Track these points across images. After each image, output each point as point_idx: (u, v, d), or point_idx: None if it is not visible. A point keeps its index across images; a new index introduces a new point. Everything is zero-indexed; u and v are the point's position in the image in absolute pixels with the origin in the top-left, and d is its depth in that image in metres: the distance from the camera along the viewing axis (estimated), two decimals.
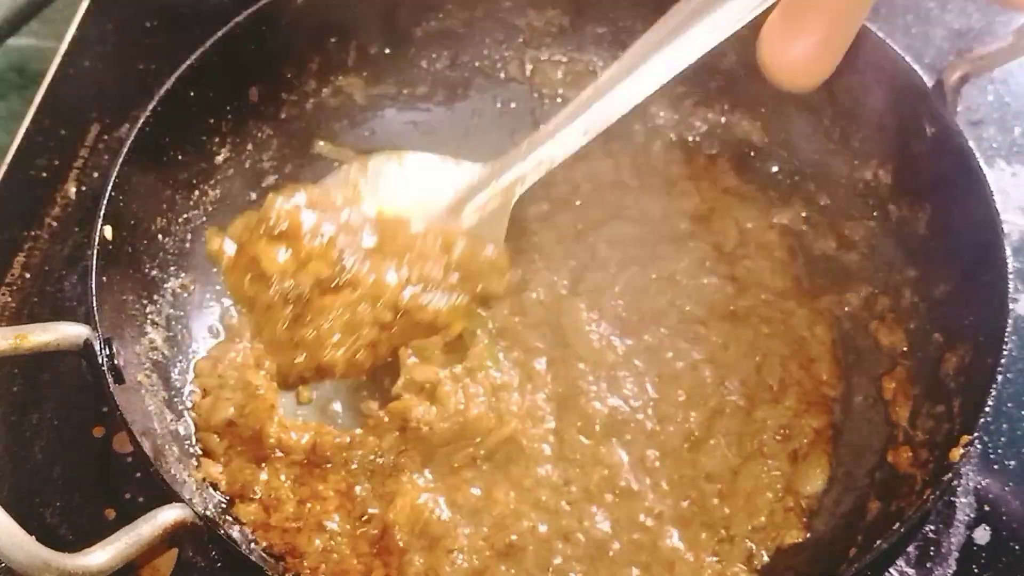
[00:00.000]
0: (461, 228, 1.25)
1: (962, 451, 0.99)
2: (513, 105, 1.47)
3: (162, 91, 1.18)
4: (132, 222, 1.15)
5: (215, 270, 1.27)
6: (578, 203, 1.38)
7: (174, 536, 0.91)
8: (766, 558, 1.12)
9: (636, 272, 1.30)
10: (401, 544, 1.10)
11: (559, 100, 1.47)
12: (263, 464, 1.15)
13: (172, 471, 1.04)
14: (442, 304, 1.20)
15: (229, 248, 1.21)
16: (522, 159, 1.25)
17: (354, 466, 1.15)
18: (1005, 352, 1.02)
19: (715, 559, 1.12)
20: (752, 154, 1.40)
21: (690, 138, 1.43)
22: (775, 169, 1.39)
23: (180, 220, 1.24)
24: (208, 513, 1.02)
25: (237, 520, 1.11)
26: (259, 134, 1.33)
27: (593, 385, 1.21)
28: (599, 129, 1.21)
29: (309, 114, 1.38)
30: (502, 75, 1.47)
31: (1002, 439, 1.19)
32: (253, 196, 1.34)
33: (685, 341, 1.25)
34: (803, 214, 1.35)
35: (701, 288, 1.29)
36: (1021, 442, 1.19)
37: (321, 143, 1.39)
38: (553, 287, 1.29)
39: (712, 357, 1.24)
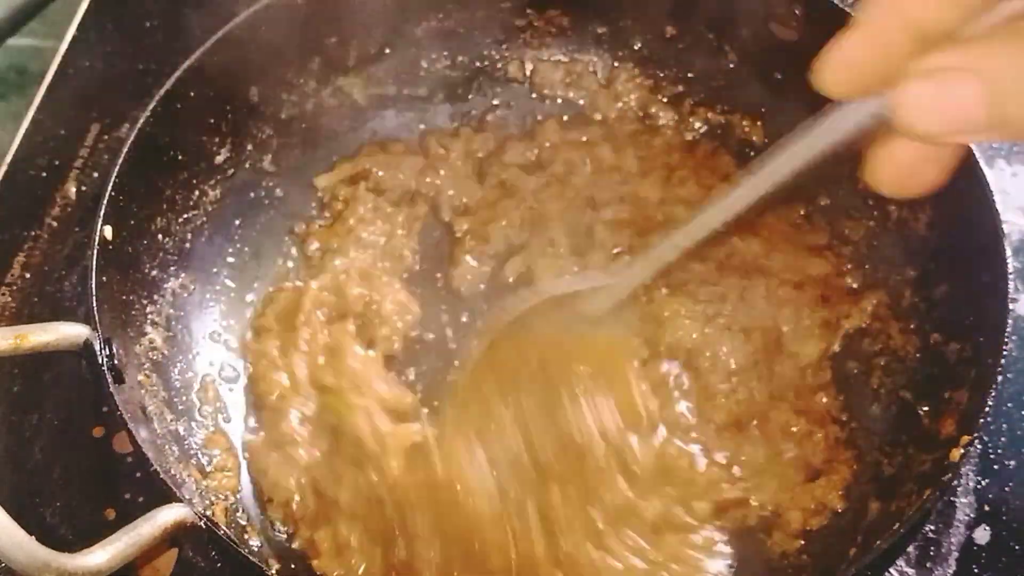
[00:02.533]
0: None
1: (962, 451, 0.99)
2: (513, 105, 1.47)
3: (162, 91, 1.18)
4: (132, 222, 1.15)
5: (215, 270, 1.28)
6: (575, 179, 1.39)
7: (174, 536, 0.91)
8: None
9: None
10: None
11: (559, 100, 1.47)
12: None
13: (172, 471, 1.04)
14: None
15: None
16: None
17: None
18: (1005, 352, 1.01)
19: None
20: (752, 154, 1.40)
21: (689, 138, 1.43)
22: None
23: (180, 220, 1.24)
24: (208, 513, 1.02)
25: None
26: (259, 134, 1.33)
27: None
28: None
29: (309, 114, 1.38)
30: (502, 75, 1.47)
31: (1002, 439, 1.19)
32: (252, 196, 1.34)
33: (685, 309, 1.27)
34: (802, 212, 1.35)
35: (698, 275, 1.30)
36: (1021, 442, 1.19)
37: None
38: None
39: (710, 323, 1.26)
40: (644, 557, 1.09)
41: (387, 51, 1.41)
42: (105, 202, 1.09)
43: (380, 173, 1.39)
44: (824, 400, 1.21)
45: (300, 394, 1.20)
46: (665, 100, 1.44)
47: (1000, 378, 1.00)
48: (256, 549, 1.10)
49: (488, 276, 1.33)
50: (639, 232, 1.33)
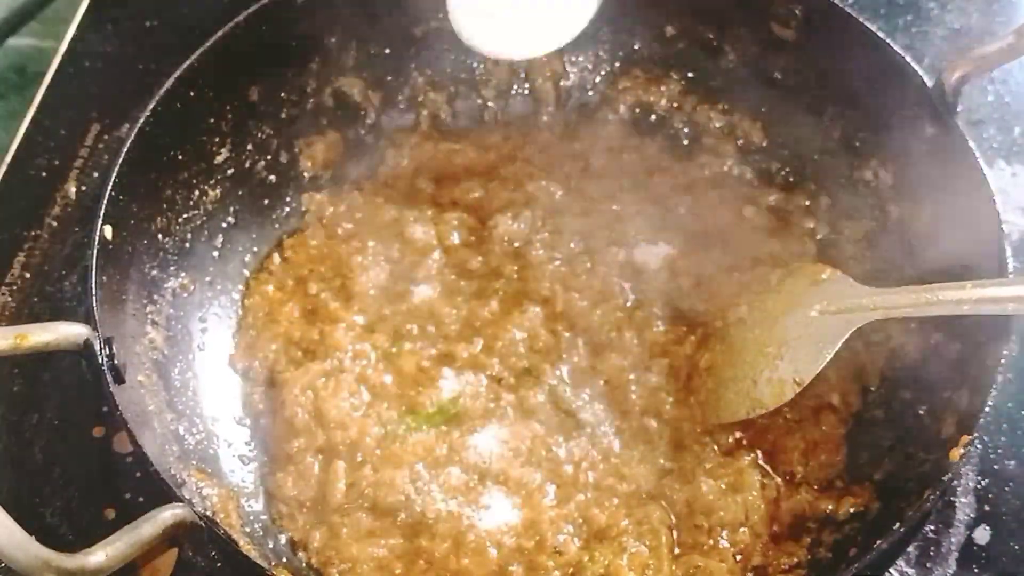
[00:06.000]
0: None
1: (962, 451, 0.99)
2: (514, 106, 1.47)
3: (162, 91, 1.18)
4: (132, 222, 1.15)
5: (212, 269, 1.28)
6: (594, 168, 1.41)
7: (174, 536, 0.91)
8: None
9: (644, 249, 1.32)
10: None
11: (559, 103, 1.47)
12: None
13: (172, 471, 1.04)
14: None
15: None
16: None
17: None
18: (1005, 352, 1.02)
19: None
20: (752, 154, 1.40)
21: (687, 140, 1.43)
22: (775, 169, 1.39)
23: (180, 220, 1.24)
24: (208, 513, 1.02)
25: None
26: (259, 134, 1.33)
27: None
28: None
29: (309, 114, 1.38)
30: (503, 76, 1.46)
31: (1002, 439, 1.19)
32: (252, 196, 1.34)
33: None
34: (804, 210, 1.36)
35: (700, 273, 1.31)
36: (1021, 442, 1.19)
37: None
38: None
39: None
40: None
41: (387, 51, 1.41)
42: (105, 202, 1.09)
43: None
44: (824, 399, 1.21)
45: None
46: (665, 100, 1.44)
47: (1000, 378, 1.01)
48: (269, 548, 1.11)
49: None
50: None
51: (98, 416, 1.22)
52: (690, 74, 1.43)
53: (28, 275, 1.33)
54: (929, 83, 1.17)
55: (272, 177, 1.36)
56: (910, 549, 1.13)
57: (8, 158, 1.42)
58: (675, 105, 1.45)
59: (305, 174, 1.39)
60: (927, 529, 1.14)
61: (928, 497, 0.98)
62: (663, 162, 1.42)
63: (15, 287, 1.32)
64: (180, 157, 1.23)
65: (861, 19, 1.22)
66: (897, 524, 0.96)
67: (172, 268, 1.23)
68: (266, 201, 1.36)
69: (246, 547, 1.04)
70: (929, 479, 1.02)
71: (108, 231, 1.09)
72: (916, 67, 1.18)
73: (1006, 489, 1.16)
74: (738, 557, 1.11)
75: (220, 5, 1.28)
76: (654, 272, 1.31)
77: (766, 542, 1.12)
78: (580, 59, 1.46)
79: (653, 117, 1.45)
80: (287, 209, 1.37)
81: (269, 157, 1.35)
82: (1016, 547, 1.13)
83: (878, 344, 1.22)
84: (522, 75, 1.47)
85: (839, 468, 1.17)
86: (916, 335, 1.19)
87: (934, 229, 1.20)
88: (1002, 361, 1.01)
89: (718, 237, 1.35)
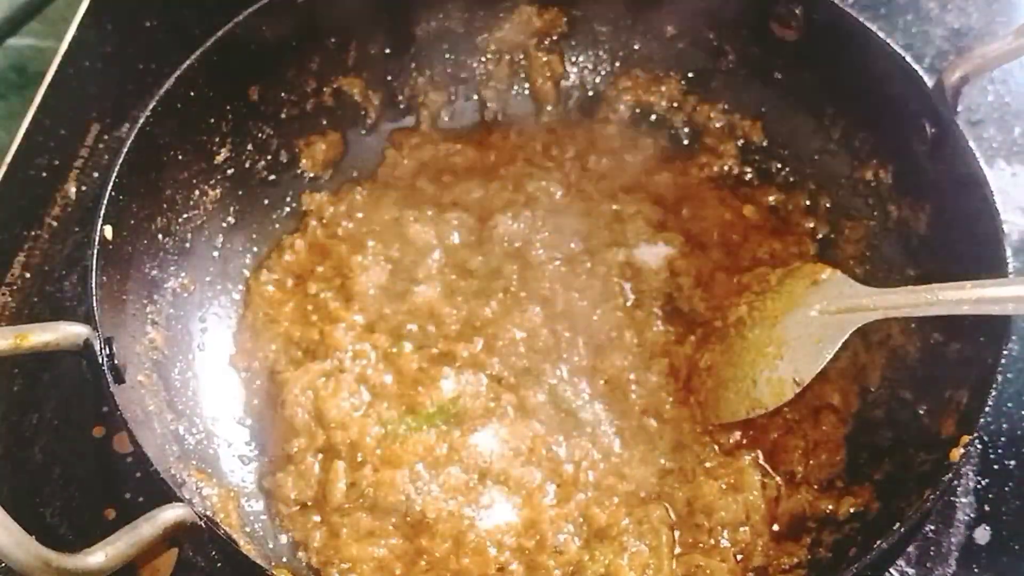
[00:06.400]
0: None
1: (962, 451, 0.99)
2: (514, 107, 1.47)
3: (162, 91, 1.18)
4: (132, 222, 1.15)
5: (212, 268, 1.28)
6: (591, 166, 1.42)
7: (174, 536, 0.91)
8: None
9: (644, 249, 1.33)
10: None
11: (560, 103, 1.47)
12: None
13: (172, 471, 1.04)
14: None
15: None
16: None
17: None
18: (1005, 352, 1.02)
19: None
20: (752, 154, 1.40)
21: (688, 140, 1.43)
22: (775, 169, 1.39)
23: (180, 220, 1.24)
24: (208, 513, 1.02)
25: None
26: (259, 134, 1.33)
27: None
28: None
29: (309, 114, 1.38)
30: (503, 76, 1.46)
31: (1002, 439, 1.19)
32: (253, 195, 1.34)
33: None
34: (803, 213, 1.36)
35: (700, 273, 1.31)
36: (1021, 442, 1.19)
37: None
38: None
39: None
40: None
41: (387, 51, 1.41)
42: (105, 202, 1.09)
43: None
44: (824, 399, 1.21)
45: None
46: (666, 100, 1.44)
47: (1000, 378, 1.01)
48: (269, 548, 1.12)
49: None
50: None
51: (98, 416, 1.22)
52: (690, 74, 1.44)
53: (28, 275, 1.33)
54: (929, 83, 1.17)
55: (272, 177, 1.36)
56: (910, 549, 1.13)
57: (8, 158, 1.42)
58: (675, 105, 1.45)
59: (305, 174, 1.39)
60: (927, 529, 1.14)
61: (928, 497, 0.98)
62: (663, 162, 1.42)
63: (15, 287, 1.32)
64: (180, 157, 1.23)
65: (861, 19, 1.22)
66: (897, 524, 0.96)
67: (172, 268, 1.23)
68: (266, 201, 1.36)
69: (246, 547, 1.04)
70: (929, 479, 1.02)
71: (108, 231, 1.09)
72: (916, 67, 1.18)
73: (1006, 489, 1.16)
74: (739, 557, 1.12)
75: (220, 5, 1.27)
76: (654, 272, 1.31)
77: (767, 542, 1.12)
78: (580, 59, 1.46)
79: (653, 117, 1.45)
80: (287, 209, 1.37)
81: (269, 157, 1.35)
82: (1016, 547, 1.13)
83: (878, 344, 1.22)
84: (522, 75, 1.47)
85: (839, 468, 1.17)
86: (916, 335, 1.19)
87: (934, 229, 1.20)
88: (1002, 361, 1.01)
89: (718, 237, 1.35)
